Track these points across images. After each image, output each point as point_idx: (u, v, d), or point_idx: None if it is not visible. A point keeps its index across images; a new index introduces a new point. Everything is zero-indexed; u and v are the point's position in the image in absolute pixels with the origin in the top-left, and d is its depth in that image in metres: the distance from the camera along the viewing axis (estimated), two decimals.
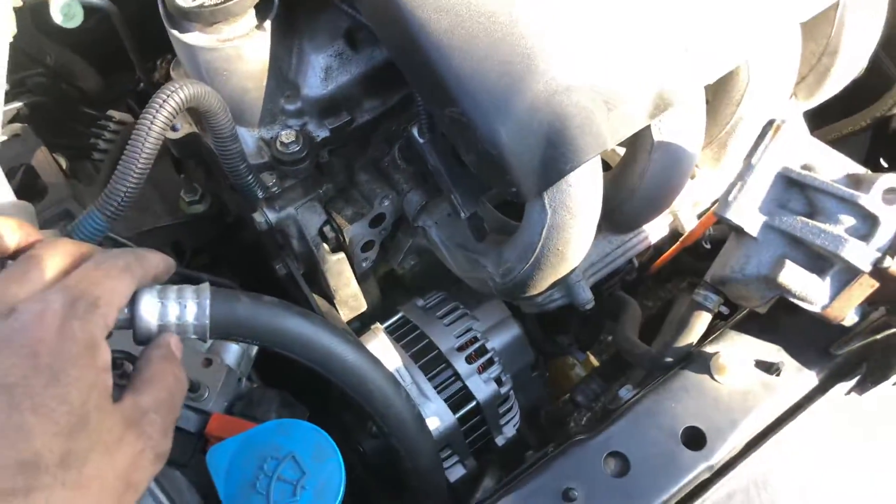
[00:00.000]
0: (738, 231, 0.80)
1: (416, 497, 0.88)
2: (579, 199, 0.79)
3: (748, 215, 0.78)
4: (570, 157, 0.75)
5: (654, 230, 1.06)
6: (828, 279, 0.76)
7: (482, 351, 1.06)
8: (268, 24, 0.89)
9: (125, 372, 0.67)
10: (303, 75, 0.96)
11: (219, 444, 0.72)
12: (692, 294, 0.89)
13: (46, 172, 1.15)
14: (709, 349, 0.86)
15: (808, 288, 0.76)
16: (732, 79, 0.92)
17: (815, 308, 0.77)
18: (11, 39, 0.92)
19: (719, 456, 0.78)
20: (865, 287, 0.74)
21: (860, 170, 0.78)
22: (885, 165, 1.24)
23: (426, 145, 0.90)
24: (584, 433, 0.82)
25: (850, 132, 1.19)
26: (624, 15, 0.78)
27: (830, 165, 0.78)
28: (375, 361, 0.76)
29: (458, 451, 1.05)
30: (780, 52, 0.92)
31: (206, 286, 0.63)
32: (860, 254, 0.73)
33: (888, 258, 0.72)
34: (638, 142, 0.88)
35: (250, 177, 0.96)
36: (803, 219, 0.76)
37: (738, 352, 0.84)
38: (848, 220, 0.74)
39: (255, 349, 0.94)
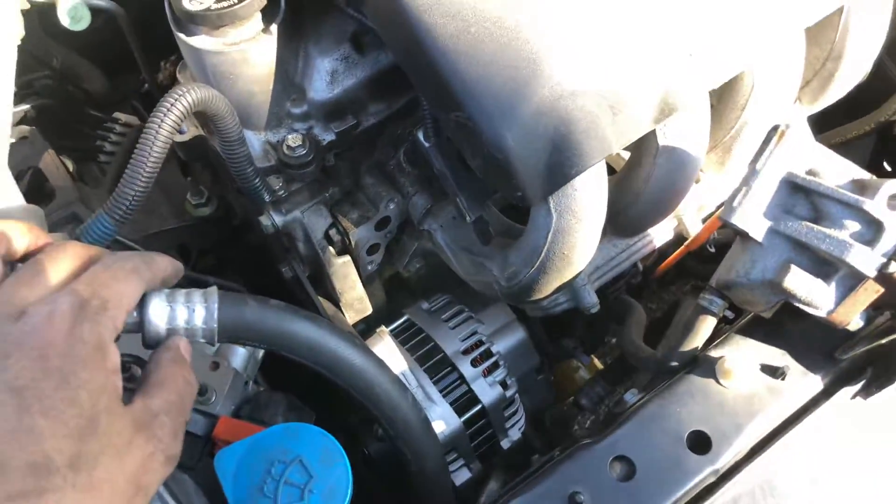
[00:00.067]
0: (744, 236, 0.80)
1: (422, 500, 0.88)
2: (585, 203, 0.79)
3: (753, 220, 0.78)
4: (575, 162, 0.75)
5: (659, 234, 1.05)
6: (833, 284, 0.76)
7: (487, 354, 1.06)
8: (274, 27, 0.89)
9: (133, 375, 0.67)
10: (309, 79, 0.97)
11: (226, 447, 0.72)
12: (697, 298, 0.89)
13: (54, 175, 1.15)
14: (714, 353, 0.86)
15: (813, 293, 0.76)
16: (737, 83, 0.92)
17: (820, 313, 0.77)
18: (19, 42, 0.92)
19: (725, 460, 0.78)
20: (870, 292, 0.75)
21: (865, 175, 0.79)
22: (889, 169, 1.24)
23: (432, 149, 0.91)
24: (588, 436, 0.82)
25: (854, 136, 1.20)
26: (629, 20, 0.79)
27: (835, 170, 0.78)
28: (382, 365, 0.76)
29: (463, 454, 1.05)
30: (784, 56, 0.92)
31: (214, 290, 0.63)
32: (865, 259, 0.73)
33: (893, 263, 0.72)
34: (643, 146, 0.88)
35: (257, 180, 0.96)
36: (808, 224, 0.76)
37: (744, 356, 0.84)
38: (853, 226, 0.74)
39: (261, 352, 0.94)
